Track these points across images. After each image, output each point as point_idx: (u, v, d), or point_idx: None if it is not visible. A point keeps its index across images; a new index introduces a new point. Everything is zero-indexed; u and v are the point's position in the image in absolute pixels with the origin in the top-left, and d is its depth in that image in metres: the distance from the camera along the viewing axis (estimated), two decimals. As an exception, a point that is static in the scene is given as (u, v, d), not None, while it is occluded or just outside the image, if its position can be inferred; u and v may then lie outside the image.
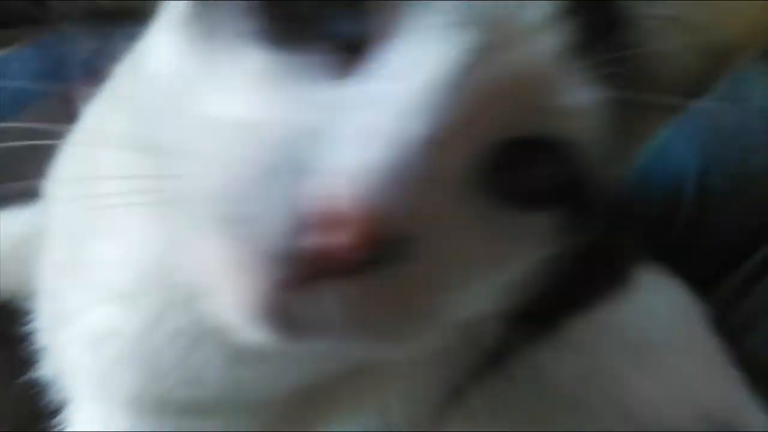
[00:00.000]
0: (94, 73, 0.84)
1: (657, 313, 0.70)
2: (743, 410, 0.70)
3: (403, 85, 0.36)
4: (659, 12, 0.43)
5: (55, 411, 0.68)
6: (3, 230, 0.76)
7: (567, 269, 0.57)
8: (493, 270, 0.42)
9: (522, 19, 0.38)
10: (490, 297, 0.44)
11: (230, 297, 0.37)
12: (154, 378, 0.55)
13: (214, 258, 0.37)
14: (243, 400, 0.51)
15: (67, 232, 0.61)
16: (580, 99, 0.39)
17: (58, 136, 0.68)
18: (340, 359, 0.51)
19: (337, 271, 0.34)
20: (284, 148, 0.36)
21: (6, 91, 0.85)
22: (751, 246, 0.86)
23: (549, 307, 0.59)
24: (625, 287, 0.67)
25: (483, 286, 0.42)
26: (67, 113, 0.81)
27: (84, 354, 0.59)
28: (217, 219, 0.36)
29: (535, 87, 0.38)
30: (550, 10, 0.39)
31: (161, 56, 0.43)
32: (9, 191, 0.76)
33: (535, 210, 0.41)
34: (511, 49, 0.38)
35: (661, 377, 0.67)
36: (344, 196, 0.33)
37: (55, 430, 0.68)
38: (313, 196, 0.33)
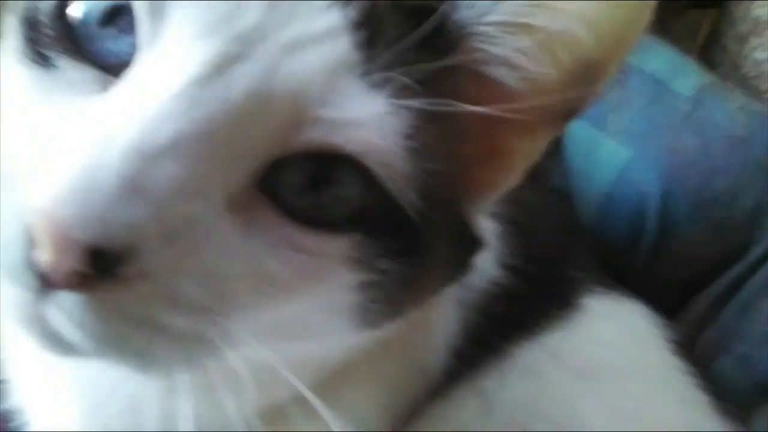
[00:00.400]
0: None
1: (608, 339, 0.68)
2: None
3: (139, 99, 0.35)
4: (496, 19, 0.42)
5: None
6: None
7: (512, 293, 0.61)
8: (292, 292, 0.40)
9: (284, 32, 0.37)
10: (314, 322, 0.42)
11: (5, 307, 0.37)
12: (95, 408, 0.54)
13: None
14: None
15: None
16: (363, 110, 0.38)
17: None
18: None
19: (61, 285, 0.34)
20: (23, 161, 0.36)
21: None
22: (716, 269, 0.85)
23: (494, 331, 0.61)
24: (575, 312, 0.66)
25: (288, 307, 0.41)
26: None
27: (32, 385, 0.58)
28: None
29: (303, 99, 0.37)
30: (324, 22, 0.38)
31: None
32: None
33: (331, 235, 0.39)
34: (265, 62, 0.37)
35: (613, 404, 0.65)
36: (42, 211, 0.33)
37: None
38: (28, 212, 0.33)
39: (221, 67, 0.36)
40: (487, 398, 0.62)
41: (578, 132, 0.88)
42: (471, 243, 0.48)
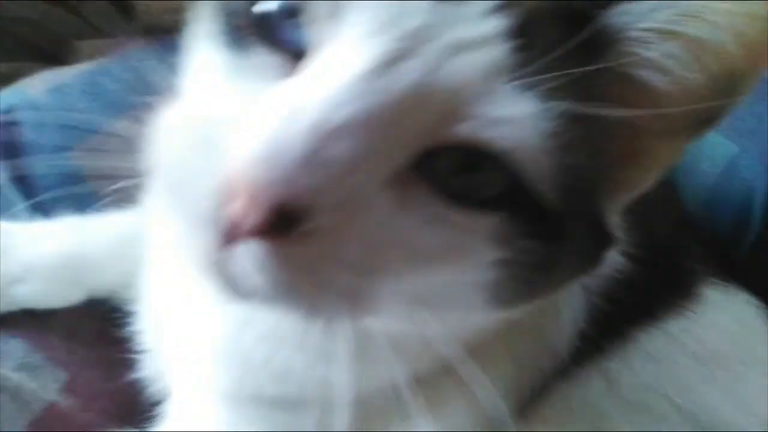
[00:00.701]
0: (173, 86, 0.90)
1: (725, 328, 0.71)
2: None
3: (319, 84, 0.40)
4: (650, 26, 0.45)
5: (154, 404, 0.74)
6: (106, 231, 0.82)
7: (635, 281, 0.64)
8: (439, 264, 0.44)
9: (447, 35, 0.41)
10: (454, 294, 0.46)
11: (188, 255, 0.43)
12: (247, 375, 0.60)
13: (175, 226, 0.44)
14: (329, 398, 0.54)
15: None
16: (514, 110, 0.41)
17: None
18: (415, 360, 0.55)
19: (246, 235, 0.39)
20: (217, 130, 0.42)
21: (99, 102, 0.90)
22: None
23: (618, 316, 0.65)
24: (694, 301, 0.69)
25: (432, 278, 0.45)
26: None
27: (184, 355, 0.65)
28: (167, 191, 0.44)
29: (459, 97, 0.41)
30: (484, 29, 0.42)
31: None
32: (111, 194, 0.81)
33: (480, 213, 0.43)
34: (429, 61, 0.41)
35: (728, 389, 0.68)
36: (239, 171, 0.39)
37: (153, 423, 0.72)
38: (225, 172, 0.39)
39: (390, 62, 0.40)
40: (612, 379, 0.66)
41: None
42: (604, 239, 0.51)
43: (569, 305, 0.65)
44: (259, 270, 0.41)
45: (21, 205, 0.86)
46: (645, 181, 0.51)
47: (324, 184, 0.39)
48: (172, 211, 0.44)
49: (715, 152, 0.91)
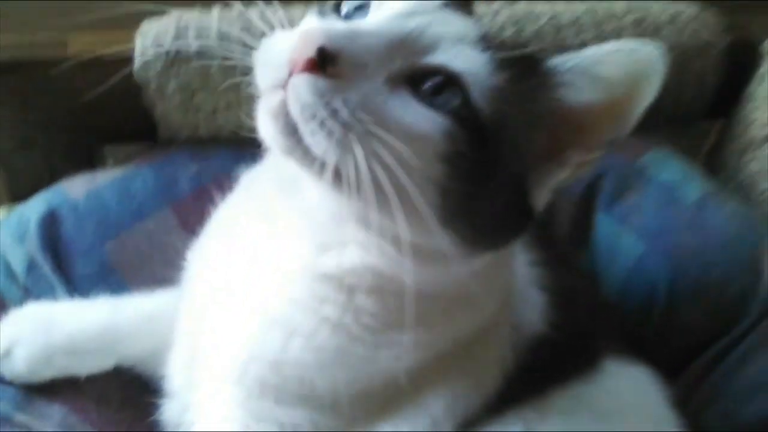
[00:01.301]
0: (198, 189, 1.03)
1: (624, 393, 0.82)
2: None
3: (366, 21, 0.64)
4: (572, 67, 0.65)
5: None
6: (134, 309, 0.92)
7: (554, 347, 0.78)
8: (404, 142, 0.59)
9: (441, 15, 0.65)
10: (411, 178, 0.59)
11: (260, 110, 0.60)
12: (272, 372, 0.71)
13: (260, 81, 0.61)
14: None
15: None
16: (470, 55, 0.62)
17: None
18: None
19: (300, 67, 0.57)
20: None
21: (133, 203, 1.03)
22: (709, 341, 0.98)
23: (537, 372, 0.77)
24: (598, 370, 0.81)
25: (402, 156, 0.59)
26: (180, 221, 1.01)
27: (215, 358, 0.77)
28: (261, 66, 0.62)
29: (440, 42, 0.62)
30: (465, 24, 0.65)
31: None
32: (147, 278, 0.96)
33: (438, 113, 0.61)
34: (426, 19, 0.63)
35: None
36: (309, 35, 0.58)
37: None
38: (299, 39, 0.58)
39: (406, 14, 0.63)
40: (528, 425, 0.77)
41: (604, 227, 1.06)
42: (527, 212, 0.67)
43: (497, 348, 0.77)
44: (301, 92, 0.57)
45: (61, 289, 0.97)
46: (560, 175, 0.67)
47: (350, 48, 0.59)
48: (260, 77, 0.62)
49: (627, 250, 1.03)
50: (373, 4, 0.66)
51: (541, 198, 0.68)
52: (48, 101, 1.11)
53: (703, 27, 1.12)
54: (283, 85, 0.58)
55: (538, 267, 0.83)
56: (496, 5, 1.11)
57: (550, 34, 1.08)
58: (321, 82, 0.57)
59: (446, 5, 0.66)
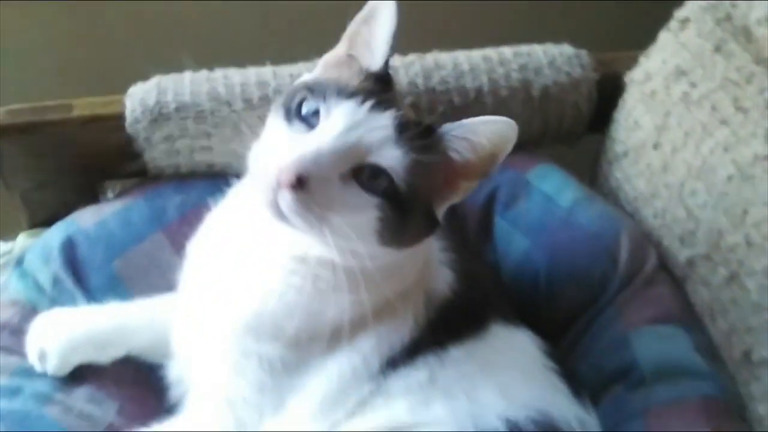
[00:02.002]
0: (183, 215, 1.21)
1: (506, 349, 0.97)
2: (563, 408, 0.94)
3: (321, 138, 0.82)
4: (455, 133, 0.86)
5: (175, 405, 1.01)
6: (140, 310, 1.08)
7: (455, 308, 0.97)
8: (354, 216, 0.83)
9: (370, 123, 0.83)
10: (360, 230, 0.83)
11: (260, 201, 0.82)
12: (266, 313, 0.92)
13: (256, 191, 0.83)
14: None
15: None
16: (393, 153, 0.83)
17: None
18: None
19: (284, 186, 0.79)
20: (278, 151, 0.82)
21: (132, 228, 1.20)
22: (579, 313, 1.16)
23: (440, 329, 0.95)
24: (487, 331, 0.97)
25: (353, 224, 0.83)
26: (170, 242, 1.18)
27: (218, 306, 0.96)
28: (255, 177, 0.83)
29: (371, 148, 0.82)
30: (385, 122, 0.84)
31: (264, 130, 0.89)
32: (147, 287, 1.13)
33: (375, 195, 0.83)
34: (365, 132, 0.82)
35: (499, 384, 0.93)
36: (289, 165, 0.79)
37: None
38: (280, 168, 0.79)
39: (345, 131, 0.82)
40: (432, 371, 0.93)
41: (500, 228, 1.25)
42: (434, 221, 0.90)
43: (414, 307, 0.95)
44: (287, 202, 0.80)
45: (80, 298, 1.13)
46: (455, 198, 0.90)
47: (315, 171, 0.80)
48: (255, 183, 0.84)
49: (517, 246, 1.21)
50: (323, 108, 0.84)
51: (441, 212, 0.91)
52: (59, 151, 1.26)
53: (577, 66, 1.31)
54: (274, 191, 0.81)
55: (447, 252, 1.02)
56: (410, 58, 1.28)
57: (453, 80, 1.25)
58: (299, 195, 0.80)
59: (373, 107, 0.84)
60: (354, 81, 0.88)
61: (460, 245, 1.06)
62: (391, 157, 0.84)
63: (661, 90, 1.18)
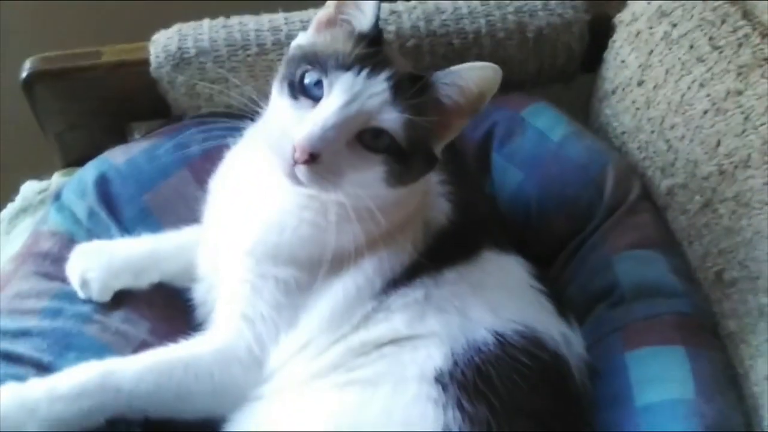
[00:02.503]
0: (205, 152, 1.28)
1: (496, 272, 1.03)
2: (547, 324, 1.01)
3: (325, 113, 0.90)
4: (445, 81, 0.94)
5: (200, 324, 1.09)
6: (169, 240, 1.16)
7: (451, 236, 1.05)
8: (363, 174, 0.93)
9: (368, 91, 0.91)
10: (370, 182, 0.94)
11: (279, 172, 0.92)
12: (282, 240, 1.02)
13: (274, 162, 0.93)
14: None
15: None
16: (391, 115, 0.91)
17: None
18: None
19: (299, 162, 0.89)
20: (289, 130, 0.91)
21: (160, 165, 1.26)
22: (568, 239, 1.23)
23: (436, 253, 1.03)
24: (479, 256, 1.04)
25: (362, 181, 0.93)
26: (194, 177, 1.25)
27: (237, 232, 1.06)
28: (272, 151, 0.93)
29: (371, 113, 0.91)
30: (380, 88, 0.92)
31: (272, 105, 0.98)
32: (174, 219, 1.20)
33: (378, 154, 0.92)
34: (365, 100, 0.91)
35: (488, 301, 1.00)
36: (301, 145, 0.89)
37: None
38: (296, 147, 0.89)
39: (346, 103, 0.90)
40: (428, 290, 1.01)
41: (497, 163, 1.32)
42: (433, 158, 0.98)
43: (413, 234, 1.02)
44: (303, 174, 0.90)
45: (114, 229, 1.19)
46: (450, 136, 0.99)
47: (325, 147, 0.89)
48: (272, 156, 0.93)
49: (512, 178, 1.29)
50: (325, 82, 0.92)
51: (439, 150, 0.99)
52: (89, 95, 1.34)
53: (569, 8, 1.37)
54: (291, 166, 0.91)
55: (446, 184, 1.09)
56: (412, 2, 1.34)
57: (453, 23, 1.32)
58: (312, 167, 0.90)
59: (369, 74, 0.92)
60: (348, 45, 0.95)
61: (459, 178, 1.14)
62: (390, 119, 0.92)
63: (645, 30, 1.24)
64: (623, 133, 1.29)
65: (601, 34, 1.39)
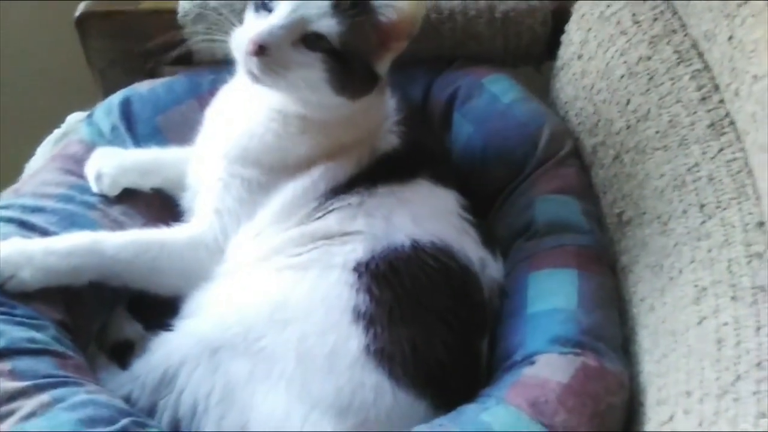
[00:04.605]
0: (212, 89, 1.41)
1: (426, 197, 1.13)
2: (466, 247, 1.11)
3: (274, 18, 1.02)
4: (382, 2, 1.04)
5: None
6: (172, 153, 1.29)
7: (399, 159, 1.16)
8: (306, 72, 1.04)
9: (311, 5, 1.02)
10: (313, 82, 1.05)
11: (240, 69, 1.07)
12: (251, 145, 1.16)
13: (239, 62, 1.06)
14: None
15: None
16: (330, 22, 1.02)
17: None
18: None
19: (253, 54, 1.01)
20: (247, 32, 1.03)
21: (174, 94, 1.39)
22: (505, 184, 1.31)
23: (381, 169, 1.14)
24: (417, 183, 1.14)
25: (308, 79, 1.05)
26: (200, 107, 1.36)
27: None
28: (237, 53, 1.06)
29: (313, 20, 1.02)
30: (324, 5, 1.02)
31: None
32: (180, 138, 1.32)
33: (319, 54, 1.02)
34: (306, 10, 1.02)
35: (414, 215, 1.09)
36: (252, 39, 1.01)
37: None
38: (248, 41, 1.01)
39: (292, 11, 1.02)
40: (362, 198, 1.11)
41: (456, 120, 1.39)
42: (375, 75, 1.09)
43: (359, 152, 1.13)
44: (255, 65, 1.01)
45: (130, 142, 1.32)
46: (389, 56, 1.10)
47: (270, 41, 1.00)
48: (236, 57, 1.05)
49: (465, 132, 1.36)
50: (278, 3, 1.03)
51: (383, 69, 1.10)
52: (128, 35, 1.48)
53: None
54: (246, 61, 1.03)
55: (400, 125, 1.19)
56: None
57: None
58: (261, 59, 1.01)
59: None
60: None
61: (417, 124, 1.26)
62: (327, 25, 1.03)
63: (588, 12, 1.34)
64: (566, 102, 1.37)
65: (564, 25, 1.48)
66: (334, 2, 1.03)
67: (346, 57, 1.04)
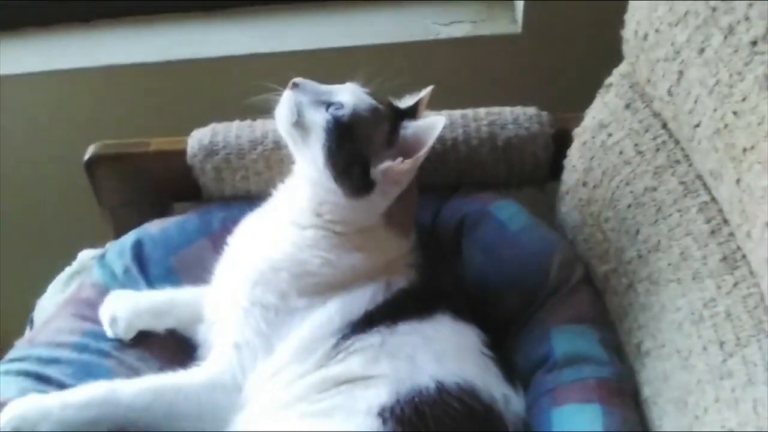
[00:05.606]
0: (224, 227, 1.40)
1: (446, 333, 1.11)
2: (489, 384, 1.07)
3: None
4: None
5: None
6: (186, 293, 1.27)
7: (415, 295, 1.15)
8: (314, 127, 1.13)
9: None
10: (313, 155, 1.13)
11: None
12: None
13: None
14: None
15: None
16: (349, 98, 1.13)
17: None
18: None
19: (290, 88, 1.13)
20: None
21: (186, 235, 1.38)
22: (518, 313, 1.27)
23: (396, 307, 1.12)
24: (432, 318, 1.12)
25: (314, 135, 1.14)
26: (212, 247, 1.36)
27: None
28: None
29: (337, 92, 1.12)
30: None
31: None
32: (193, 279, 1.31)
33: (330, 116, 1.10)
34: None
35: (439, 355, 1.07)
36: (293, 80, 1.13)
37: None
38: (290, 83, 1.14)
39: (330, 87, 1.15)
40: (383, 337, 1.08)
41: (466, 248, 1.34)
42: (371, 183, 1.12)
43: (373, 290, 1.12)
44: (289, 98, 1.15)
45: (143, 284, 1.31)
46: (383, 164, 1.12)
47: (305, 82, 1.15)
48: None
49: (475, 260, 1.32)
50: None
51: (379, 181, 1.13)
52: (138, 176, 1.47)
53: (536, 122, 1.46)
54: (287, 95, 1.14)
55: (415, 256, 1.18)
56: None
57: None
58: (295, 92, 1.15)
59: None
60: None
61: (430, 255, 1.25)
62: (346, 99, 1.17)
63: (589, 140, 1.33)
64: (573, 227, 1.35)
65: (565, 146, 1.47)
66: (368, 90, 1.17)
67: (350, 133, 1.11)
